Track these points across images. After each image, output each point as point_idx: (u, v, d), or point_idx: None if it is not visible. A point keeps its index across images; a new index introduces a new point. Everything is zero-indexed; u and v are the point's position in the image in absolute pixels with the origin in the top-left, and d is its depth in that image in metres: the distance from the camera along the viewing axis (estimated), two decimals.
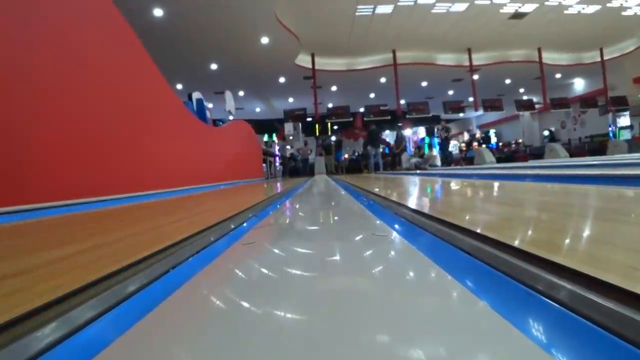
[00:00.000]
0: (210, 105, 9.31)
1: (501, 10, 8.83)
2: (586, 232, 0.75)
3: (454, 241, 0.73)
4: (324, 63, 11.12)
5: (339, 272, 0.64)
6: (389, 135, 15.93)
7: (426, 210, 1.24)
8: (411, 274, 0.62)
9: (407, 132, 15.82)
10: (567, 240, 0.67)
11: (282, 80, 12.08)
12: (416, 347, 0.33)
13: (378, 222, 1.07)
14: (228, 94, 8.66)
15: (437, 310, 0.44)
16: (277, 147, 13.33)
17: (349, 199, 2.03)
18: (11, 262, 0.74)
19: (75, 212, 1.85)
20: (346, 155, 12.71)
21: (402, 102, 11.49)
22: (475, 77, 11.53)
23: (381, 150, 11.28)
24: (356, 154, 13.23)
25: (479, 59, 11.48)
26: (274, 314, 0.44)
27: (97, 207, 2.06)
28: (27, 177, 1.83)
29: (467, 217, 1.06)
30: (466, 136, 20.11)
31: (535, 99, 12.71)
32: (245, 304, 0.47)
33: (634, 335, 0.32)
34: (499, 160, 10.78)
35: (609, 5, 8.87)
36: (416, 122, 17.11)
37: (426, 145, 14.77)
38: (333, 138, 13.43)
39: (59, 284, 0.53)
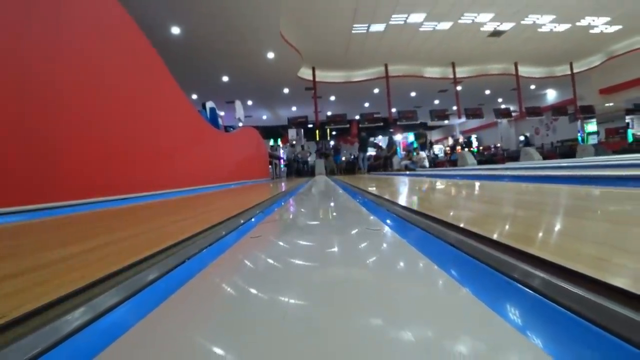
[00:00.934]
0: (222, 113, 9.30)
1: (481, 29, 8.84)
2: (557, 227, 0.75)
3: (438, 234, 0.73)
4: (324, 75, 11.12)
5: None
6: (381, 140, 15.92)
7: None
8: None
9: (398, 137, 15.82)
10: (540, 234, 0.67)
11: (286, 90, 12.07)
12: (405, 327, 0.33)
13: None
14: (238, 103, 8.66)
15: (424, 297, 0.44)
16: (282, 151, 13.34)
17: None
18: (31, 257, 0.74)
19: (101, 208, 1.85)
20: (343, 158, 12.69)
21: (394, 110, 11.49)
22: (459, 88, 11.52)
23: (369, 153, 11.38)
24: (352, 156, 13.25)
25: (462, 72, 11.48)
26: (279, 298, 0.44)
27: (121, 205, 2.06)
28: (68, 176, 1.83)
29: (451, 213, 1.06)
30: (450, 141, 20.10)
31: (512, 108, 12.70)
32: (254, 289, 0.47)
33: (601, 320, 0.32)
34: (479, 163, 10.78)
35: (578, 24, 8.87)
36: (406, 128, 17.12)
37: (415, 148, 14.80)
38: (332, 143, 13.46)
39: (83, 274, 0.53)
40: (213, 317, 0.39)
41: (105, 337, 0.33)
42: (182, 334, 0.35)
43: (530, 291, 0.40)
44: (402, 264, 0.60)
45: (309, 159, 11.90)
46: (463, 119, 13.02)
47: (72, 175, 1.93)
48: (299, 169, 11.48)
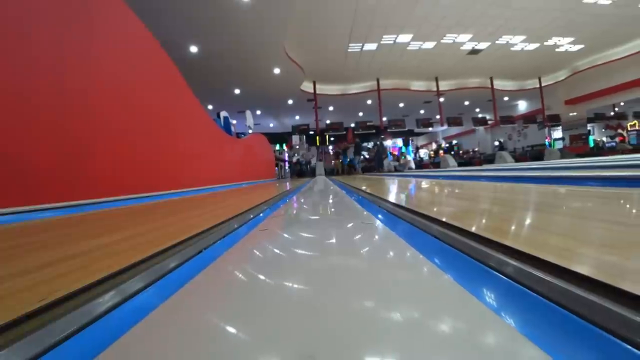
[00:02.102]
0: (234, 122, 9.30)
1: (461, 48, 8.85)
2: (527, 221, 0.75)
3: (422, 226, 0.73)
4: (323, 88, 11.12)
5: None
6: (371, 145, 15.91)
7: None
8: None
9: (388, 142, 15.82)
10: (513, 227, 0.67)
11: (290, 101, 12.07)
12: (392, 307, 0.33)
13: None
14: (248, 113, 8.66)
15: (410, 283, 0.44)
16: (286, 155, 13.34)
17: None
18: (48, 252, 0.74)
19: (129, 205, 1.85)
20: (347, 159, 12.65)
21: (384, 119, 11.48)
22: (441, 99, 11.52)
23: (362, 157, 11.45)
24: (347, 159, 13.26)
25: (444, 85, 11.48)
26: (284, 283, 0.44)
27: (148, 201, 2.06)
28: (104, 176, 1.83)
29: (434, 209, 1.06)
30: (434, 146, 20.10)
31: (488, 117, 12.69)
32: (263, 276, 0.47)
33: (563, 301, 0.32)
34: (459, 165, 10.77)
35: (545, 43, 8.88)
36: (395, 135, 17.11)
37: (403, 153, 14.75)
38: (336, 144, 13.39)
39: (114, 261, 0.53)
40: (228, 299, 0.39)
41: (125, 321, 0.33)
42: (200, 316, 0.35)
43: (506, 278, 0.40)
44: (390, 252, 0.60)
45: (311, 161, 11.89)
46: (445, 127, 13.02)
47: (108, 176, 1.94)
48: (302, 170, 11.47)
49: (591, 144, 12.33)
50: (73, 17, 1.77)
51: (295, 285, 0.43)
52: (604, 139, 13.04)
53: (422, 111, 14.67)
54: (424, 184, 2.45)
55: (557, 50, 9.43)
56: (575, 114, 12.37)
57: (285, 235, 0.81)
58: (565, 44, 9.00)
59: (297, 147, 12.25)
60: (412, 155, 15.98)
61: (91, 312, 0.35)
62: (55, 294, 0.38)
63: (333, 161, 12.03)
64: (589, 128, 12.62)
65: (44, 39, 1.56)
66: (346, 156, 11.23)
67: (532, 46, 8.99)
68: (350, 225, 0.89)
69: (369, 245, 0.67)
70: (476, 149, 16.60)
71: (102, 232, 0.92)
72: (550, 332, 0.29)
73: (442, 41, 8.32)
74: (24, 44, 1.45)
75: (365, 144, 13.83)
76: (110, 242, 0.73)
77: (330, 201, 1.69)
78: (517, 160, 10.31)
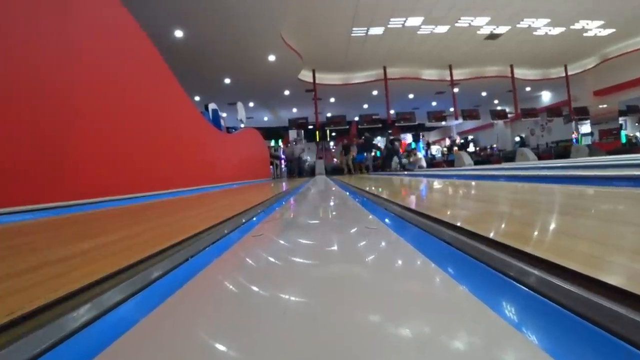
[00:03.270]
0: (224, 115, 9.30)
1: (478, 32, 8.83)
2: (552, 225, 0.75)
3: (434, 232, 0.73)
4: (324, 78, 11.12)
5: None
6: (380, 141, 15.92)
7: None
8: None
9: (405, 140, 15.80)
10: (535, 232, 0.67)
11: (286, 92, 12.07)
12: (403, 324, 0.33)
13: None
14: (240, 105, 8.66)
15: (421, 295, 0.44)
16: (282, 151, 13.34)
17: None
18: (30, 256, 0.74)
19: (102, 208, 1.86)
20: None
21: (392, 112, 11.49)
22: (456, 90, 11.52)
23: (372, 154, 11.33)
24: (353, 156, 13.22)
25: (458, 74, 11.47)
26: (279, 295, 0.44)
27: (124, 204, 2.06)
28: (72, 176, 1.84)
29: (448, 212, 1.06)
30: (447, 142, 20.10)
31: (507, 109, 12.68)
32: (256, 287, 0.47)
33: (596, 316, 0.32)
34: (476, 163, 10.78)
35: (572, 27, 8.86)
36: (404, 130, 17.11)
37: (413, 149, 14.75)
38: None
39: (92, 269, 0.53)
40: (215, 315, 0.39)
41: (107, 335, 0.33)
42: (185, 331, 0.35)
43: (526, 289, 0.40)
44: (399, 262, 0.60)
45: (301, 155, 11.69)
46: (460, 121, 13.02)
47: (77, 176, 1.94)
48: (300, 168, 11.44)
49: (623, 140, 12.30)
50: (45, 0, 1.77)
51: (293, 298, 0.43)
52: (638, 134, 13.03)
53: (434, 103, 14.68)
54: (440, 184, 2.45)
55: (585, 35, 9.43)
56: (605, 106, 12.36)
57: (282, 242, 0.81)
58: (594, 27, 8.99)
59: (295, 143, 12.24)
60: (423, 152, 15.97)
61: (65, 327, 0.35)
62: (35, 302, 0.38)
63: (335, 159, 11.92)
64: (620, 122, 12.60)
65: (14, 26, 1.56)
66: (363, 155, 10.93)
67: (557, 30, 8.98)
68: (353, 230, 0.89)
69: (378, 254, 0.67)
70: (494, 146, 16.61)
71: (83, 236, 0.92)
72: (579, 352, 0.29)
73: (456, 25, 8.32)
74: None
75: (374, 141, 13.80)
76: (91, 247, 0.73)
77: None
78: (540, 157, 10.31)
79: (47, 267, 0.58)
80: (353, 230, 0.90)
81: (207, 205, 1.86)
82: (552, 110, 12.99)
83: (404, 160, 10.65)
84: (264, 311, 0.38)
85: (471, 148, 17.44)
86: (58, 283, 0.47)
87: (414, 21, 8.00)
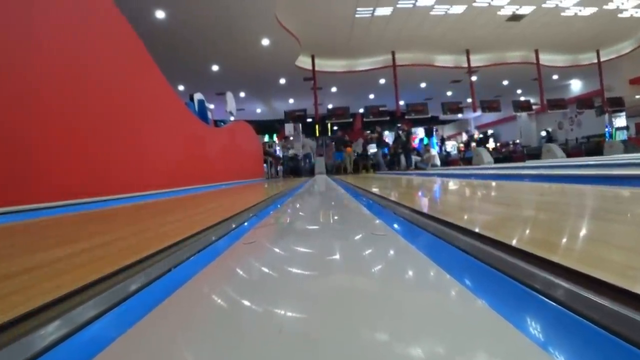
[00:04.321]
0: (211, 106, 9.30)
1: (499, 13, 8.83)
2: (582, 232, 0.75)
3: (448, 238, 0.73)
4: (324, 64, 11.11)
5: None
6: (388, 136, 15.95)
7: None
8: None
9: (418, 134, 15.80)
10: (564, 240, 0.67)
11: (282, 81, 12.08)
12: (414, 343, 0.33)
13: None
14: (229, 95, 8.66)
15: (435, 309, 0.44)
16: (277, 148, 13.36)
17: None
18: (15, 260, 0.74)
19: (78, 211, 1.86)
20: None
21: (402, 102, 11.50)
22: (474, 78, 11.53)
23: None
24: (356, 154, 13.24)
25: (477, 60, 11.48)
26: (274, 312, 0.44)
27: (98, 207, 2.06)
28: (40, 176, 1.84)
29: (465, 217, 1.06)
30: (464, 137, 20.12)
31: (532, 100, 12.69)
32: (248, 302, 0.47)
33: (631, 333, 0.32)
34: (496, 161, 10.78)
35: (605, 7, 8.86)
36: (415, 123, 17.10)
37: (426, 145, 14.76)
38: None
39: (60, 283, 0.53)
40: (201, 333, 0.39)
41: (86, 350, 0.33)
42: (165, 353, 0.35)
43: (553, 303, 0.40)
44: (410, 274, 0.60)
45: (291, 151, 11.73)
46: (478, 113, 13.06)
47: (46, 176, 1.94)
48: (297, 167, 11.44)
49: None
50: None
51: (290, 314, 0.43)
52: None
53: (449, 93, 14.70)
54: (456, 185, 2.46)
55: (619, 15, 9.43)
56: None
57: (277, 250, 0.81)
58: (630, 7, 8.99)
59: (292, 138, 12.25)
60: (437, 148, 15.97)
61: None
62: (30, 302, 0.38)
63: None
64: None
65: None
66: (341, 152, 10.88)
67: (588, 10, 8.98)
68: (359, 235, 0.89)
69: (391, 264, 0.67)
70: (517, 141, 16.63)
71: (56, 243, 0.92)
72: None
73: (474, 4, 8.32)
74: None
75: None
76: (55, 258, 0.73)
77: None
78: (569, 155, 10.32)
79: (24, 274, 0.58)
80: (358, 237, 0.90)
81: (193, 209, 1.86)
82: (583, 102, 12.99)
83: (416, 158, 10.65)
84: (257, 330, 0.38)
85: (491, 144, 17.45)
86: (36, 291, 0.47)
87: (426, 0, 8.00)
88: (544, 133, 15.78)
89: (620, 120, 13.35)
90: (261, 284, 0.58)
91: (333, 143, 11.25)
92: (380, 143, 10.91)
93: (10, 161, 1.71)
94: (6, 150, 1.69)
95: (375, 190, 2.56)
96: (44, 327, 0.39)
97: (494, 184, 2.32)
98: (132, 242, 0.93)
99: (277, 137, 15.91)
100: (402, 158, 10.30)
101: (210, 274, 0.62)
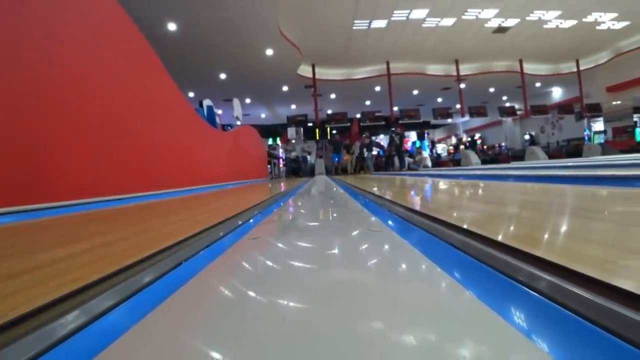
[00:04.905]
0: (219, 112, 9.30)
1: (486, 25, 8.83)
2: (563, 229, 0.75)
3: (441, 235, 0.73)
4: (324, 73, 11.11)
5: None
6: (383, 139, 15.93)
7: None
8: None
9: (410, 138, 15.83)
10: (546, 236, 0.67)
11: (285, 88, 12.06)
12: (406, 330, 0.33)
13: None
14: (236, 101, 8.66)
15: (426, 299, 0.44)
16: (280, 150, 13.37)
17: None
18: (19, 260, 0.74)
19: (93, 209, 1.86)
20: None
21: (395, 108, 11.48)
22: (462, 86, 11.52)
23: (375, 152, 11.42)
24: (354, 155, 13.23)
25: (465, 69, 11.47)
26: (277, 301, 0.44)
27: (114, 205, 2.06)
28: (58, 176, 1.83)
29: (454, 214, 1.06)
30: (454, 140, 20.11)
31: (516, 106, 12.68)
32: (253, 292, 0.47)
33: (611, 323, 0.32)
34: (483, 162, 10.78)
35: (584, 20, 8.86)
36: (408, 127, 17.10)
37: (418, 148, 14.76)
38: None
39: (76, 277, 0.53)
40: (209, 322, 0.39)
41: (99, 341, 0.33)
42: (177, 338, 0.35)
43: (537, 295, 0.40)
44: (403, 267, 0.60)
45: (293, 154, 11.86)
46: (466, 118, 13.03)
47: (63, 176, 1.93)
48: (299, 168, 11.45)
49: (638, 138, 12.31)
50: None
51: (292, 304, 0.43)
52: None
53: (439, 99, 14.68)
54: (446, 185, 2.45)
55: (597, 28, 9.43)
56: (619, 102, 12.35)
57: (280, 245, 0.81)
58: (607, 20, 8.99)
59: (293, 141, 12.25)
60: (428, 150, 15.98)
61: (53, 334, 0.35)
62: (18, 309, 0.38)
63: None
64: (635, 119, 12.60)
65: None
66: (339, 154, 11.07)
67: (568, 23, 8.98)
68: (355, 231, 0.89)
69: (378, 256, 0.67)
70: (503, 144, 16.62)
71: (60, 243, 0.92)
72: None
73: (463, 17, 8.32)
74: None
75: (374, 138, 13.87)
76: (74, 252, 0.73)
77: None
78: (551, 156, 10.32)
79: (28, 273, 0.58)
80: (355, 232, 0.90)
81: (201, 207, 1.86)
82: (563, 107, 12.99)
83: (409, 160, 10.67)
84: (262, 317, 0.38)
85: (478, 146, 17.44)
86: (39, 291, 0.47)
87: (418, 13, 8.00)
88: (527, 136, 15.79)
89: (598, 125, 13.38)
90: (265, 276, 0.58)
91: (332, 147, 11.41)
92: (369, 147, 11.01)
93: (36, 161, 1.71)
94: (31, 151, 1.69)
95: (366, 188, 2.57)
96: (65, 315, 0.39)
97: (481, 183, 2.32)
98: (143, 238, 0.93)
99: (280, 140, 15.89)
100: (396, 159, 10.29)
101: (219, 266, 0.62)
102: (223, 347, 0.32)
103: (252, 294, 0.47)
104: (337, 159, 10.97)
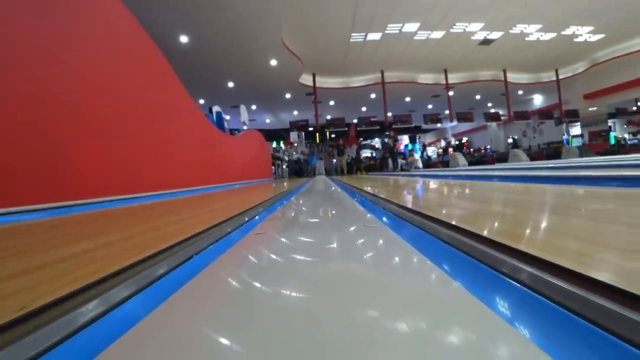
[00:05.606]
0: (227, 117, 9.29)
1: (472, 37, 8.83)
2: (543, 224, 0.75)
3: (433, 231, 0.73)
4: (323, 81, 11.11)
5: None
6: (377, 143, 15.92)
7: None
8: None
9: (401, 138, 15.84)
10: (527, 231, 0.67)
11: (288, 96, 12.06)
12: (398, 315, 0.33)
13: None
14: (242, 108, 8.66)
15: (417, 288, 0.44)
16: (283, 153, 13.38)
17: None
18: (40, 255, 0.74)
19: (113, 207, 1.86)
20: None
21: (389, 114, 11.48)
22: (451, 93, 11.51)
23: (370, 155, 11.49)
24: (350, 157, 13.22)
25: (453, 78, 11.48)
26: (281, 292, 0.44)
27: (131, 203, 2.06)
28: (77, 177, 1.84)
29: (443, 211, 1.06)
30: (443, 143, 20.10)
31: (501, 112, 12.68)
32: (258, 283, 0.47)
33: (584, 311, 0.32)
34: (470, 164, 10.77)
35: (563, 33, 8.87)
36: (401, 131, 17.10)
37: (410, 151, 14.76)
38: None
39: (97, 269, 0.53)
40: (220, 308, 0.39)
41: (113, 331, 0.33)
42: (191, 323, 0.35)
43: (519, 285, 0.40)
44: (396, 259, 0.60)
45: (295, 155, 11.97)
46: (455, 123, 13.01)
47: (81, 176, 1.93)
48: (300, 169, 11.45)
49: (612, 141, 12.31)
50: (54, 4, 1.77)
51: (294, 294, 0.43)
52: (626, 135, 13.03)
53: (429, 106, 14.67)
54: (436, 184, 2.45)
55: (575, 40, 9.43)
56: (594, 109, 12.36)
57: (283, 240, 0.81)
58: (584, 33, 8.99)
59: (296, 144, 12.25)
60: (419, 153, 15.98)
61: (79, 319, 0.35)
62: (39, 300, 0.38)
63: (334, 159, 12.01)
64: (609, 124, 12.61)
65: (20, 29, 1.56)
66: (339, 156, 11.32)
67: (548, 36, 8.98)
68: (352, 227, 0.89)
69: (373, 250, 0.67)
70: (488, 147, 16.61)
71: (87, 236, 0.92)
72: (572, 346, 0.29)
73: (451, 30, 8.32)
74: None
75: (369, 141, 13.91)
76: (96, 246, 0.73)
77: None
78: (532, 158, 10.30)
79: (49, 266, 0.58)
80: (352, 228, 0.90)
81: (211, 205, 1.86)
82: (544, 113, 12.99)
83: (401, 161, 10.68)
84: (267, 304, 0.38)
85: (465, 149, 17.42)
86: (62, 281, 0.47)
87: (410, 27, 8.01)
88: (510, 140, 15.76)
89: (576, 129, 13.39)
90: (270, 267, 0.58)
91: (327, 153, 11.65)
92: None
93: (59, 164, 1.71)
94: (57, 152, 1.69)
95: (359, 186, 2.57)
96: (85, 304, 0.39)
97: (467, 183, 2.31)
98: (167, 230, 0.93)
99: (283, 143, 15.88)
100: (390, 161, 10.31)
101: (227, 259, 0.62)
102: (231, 332, 0.32)
103: (257, 283, 0.47)
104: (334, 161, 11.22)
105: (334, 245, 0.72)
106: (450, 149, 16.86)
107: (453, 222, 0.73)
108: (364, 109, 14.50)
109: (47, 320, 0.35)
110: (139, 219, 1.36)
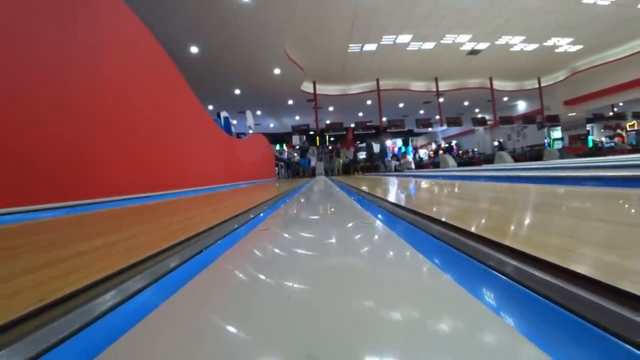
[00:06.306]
0: (234, 122, 9.30)
1: (461, 48, 8.84)
2: (526, 221, 0.75)
3: (424, 227, 0.73)
4: (323, 89, 11.11)
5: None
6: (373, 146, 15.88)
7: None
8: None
9: (387, 142, 15.82)
10: (512, 227, 0.67)
11: (290, 102, 12.06)
12: (392, 304, 0.33)
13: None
14: (248, 113, 8.66)
15: (409, 281, 0.44)
16: (286, 154, 13.37)
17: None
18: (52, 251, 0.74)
19: (129, 205, 1.86)
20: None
21: (384, 119, 11.47)
22: (441, 99, 11.50)
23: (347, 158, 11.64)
24: (348, 159, 13.20)
25: (443, 85, 11.47)
26: (284, 283, 0.44)
27: (145, 202, 2.06)
28: (95, 176, 1.83)
29: (433, 209, 1.06)
30: (434, 146, 20.08)
31: (487, 117, 12.67)
32: (263, 276, 0.47)
33: (562, 300, 0.32)
34: (459, 165, 10.76)
35: (545, 44, 8.88)
36: (395, 135, 17.10)
37: (403, 153, 14.74)
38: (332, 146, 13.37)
39: (112, 263, 0.53)
40: (227, 298, 0.39)
41: (129, 319, 0.33)
42: (201, 313, 0.35)
43: (504, 277, 0.40)
44: (390, 253, 0.60)
45: (297, 157, 12.05)
46: (445, 127, 13.02)
47: (101, 176, 1.93)
48: (302, 170, 11.44)
49: (590, 144, 12.33)
50: (75, 16, 1.77)
51: (296, 285, 0.43)
52: (603, 139, 13.04)
53: (421, 111, 14.67)
54: (427, 184, 2.45)
55: (556, 50, 9.43)
56: (574, 114, 12.36)
57: (286, 235, 0.81)
58: (564, 44, 8.99)
59: (298, 147, 12.25)
60: (412, 155, 15.97)
61: (91, 312, 0.35)
62: (54, 294, 0.38)
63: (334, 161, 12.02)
64: (588, 128, 12.63)
65: (47, 39, 1.56)
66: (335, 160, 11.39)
67: (531, 46, 8.98)
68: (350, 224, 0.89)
69: (370, 245, 0.67)
70: (475, 149, 16.59)
71: (102, 232, 0.91)
72: (549, 332, 0.29)
73: (441, 42, 8.32)
74: (27, 43, 1.45)
75: (364, 144, 13.93)
76: (110, 242, 0.73)
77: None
78: (516, 160, 10.30)
79: (63, 262, 0.58)
80: (350, 224, 0.90)
81: (218, 204, 1.86)
82: (527, 118, 12.98)
83: (395, 163, 10.68)
84: (271, 296, 0.38)
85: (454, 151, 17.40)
86: (60, 283, 0.46)
87: (403, 38, 8.01)
88: (496, 143, 15.74)
89: (557, 133, 13.39)
90: (274, 261, 0.58)
91: (328, 155, 11.70)
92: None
93: (80, 163, 1.71)
94: (78, 154, 1.68)
95: (354, 185, 2.57)
96: (102, 295, 0.39)
97: (456, 183, 2.31)
98: (170, 230, 0.93)
99: (286, 146, 15.87)
100: (381, 163, 10.36)
101: (233, 254, 0.62)
102: (237, 322, 0.32)
103: (262, 276, 0.47)
104: (334, 163, 11.27)
105: (333, 240, 0.72)
106: (441, 151, 16.85)
107: (443, 219, 0.73)
108: (360, 114, 14.50)
109: (50, 320, 0.33)
110: (157, 215, 1.36)
